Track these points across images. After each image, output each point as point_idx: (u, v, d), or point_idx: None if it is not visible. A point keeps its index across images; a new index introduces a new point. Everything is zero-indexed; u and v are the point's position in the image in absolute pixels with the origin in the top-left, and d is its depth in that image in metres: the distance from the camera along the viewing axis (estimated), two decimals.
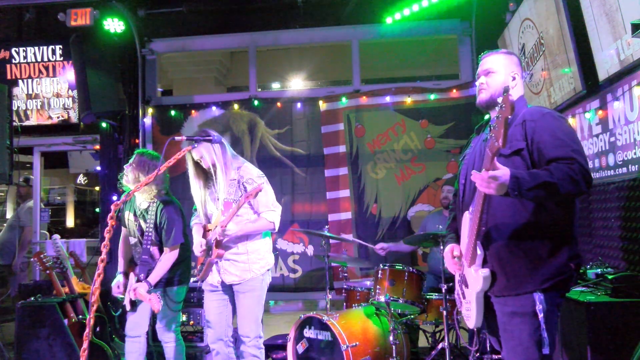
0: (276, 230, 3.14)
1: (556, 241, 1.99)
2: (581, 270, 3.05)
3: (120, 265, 3.44)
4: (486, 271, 2.02)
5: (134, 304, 3.29)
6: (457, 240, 2.31)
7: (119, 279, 3.37)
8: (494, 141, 1.72)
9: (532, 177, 1.84)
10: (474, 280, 2.08)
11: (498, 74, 2.17)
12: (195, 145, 2.99)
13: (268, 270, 3.15)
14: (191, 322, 4.48)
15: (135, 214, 3.36)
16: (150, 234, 3.28)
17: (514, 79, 2.18)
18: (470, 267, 2.09)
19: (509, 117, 1.69)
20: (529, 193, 1.83)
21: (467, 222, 2.13)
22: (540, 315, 1.94)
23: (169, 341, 3.43)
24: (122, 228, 3.50)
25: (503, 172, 1.81)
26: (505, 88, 1.78)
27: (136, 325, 3.34)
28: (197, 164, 3.12)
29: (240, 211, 2.98)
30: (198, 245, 3.09)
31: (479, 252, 2.04)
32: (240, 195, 2.97)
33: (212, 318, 3.12)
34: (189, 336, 4.45)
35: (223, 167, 3.01)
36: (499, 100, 1.74)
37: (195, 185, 3.14)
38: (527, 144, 2.01)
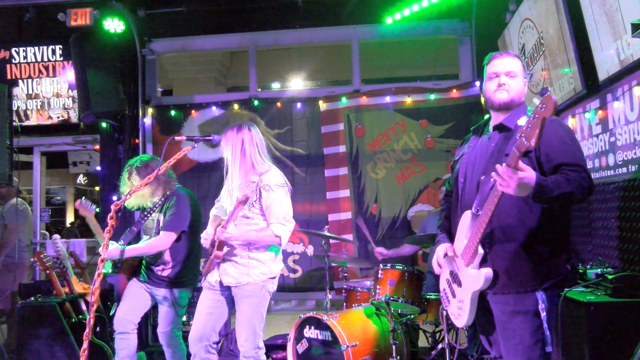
0: (282, 245, 2.92)
1: (556, 242, 2.05)
2: (581, 270, 3.06)
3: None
4: (489, 271, 2.03)
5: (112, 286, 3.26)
6: (450, 239, 2.30)
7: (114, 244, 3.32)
8: (523, 140, 1.71)
9: (556, 187, 1.86)
10: (472, 279, 2.07)
11: (519, 78, 2.19)
12: (195, 145, 2.95)
13: (271, 278, 2.94)
14: (191, 322, 4.47)
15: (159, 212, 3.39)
16: (160, 222, 3.30)
17: (525, 85, 2.26)
18: (468, 267, 2.09)
19: (547, 117, 1.67)
20: (549, 201, 1.88)
21: (467, 222, 2.12)
22: (543, 314, 1.99)
23: (170, 345, 3.37)
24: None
25: (529, 174, 1.81)
26: (544, 89, 1.82)
27: (123, 322, 3.29)
28: None
29: (251, 214, 2.89)
30: (204, 235, 2.99)
31: (480, 251, 2.04)
32: (256, 200, 2.87)
33: (199, 316, 2.96)
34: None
35: (236, 167, 2.89)
36: (535, 101, 1.75)
37: (228, 180, 3.02)
38: (536, 148, 2.00)
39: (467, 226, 2.11)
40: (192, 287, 3.43)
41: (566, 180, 1.90)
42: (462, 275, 2.14)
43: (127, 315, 3.31)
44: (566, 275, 2.07)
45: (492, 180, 1.89)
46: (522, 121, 1.75)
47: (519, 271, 2.03)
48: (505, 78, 2.17)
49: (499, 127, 2.20)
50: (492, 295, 2.10)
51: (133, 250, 3.21)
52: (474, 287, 2.06)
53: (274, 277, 2.97)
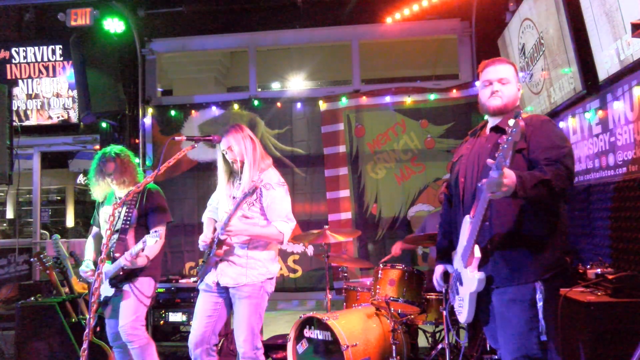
0: (284, 243, 2.91)
1: (554, 235, 2.13)
2: (581, 270, 3.06)
3: (89, 255, 3.40)
4: (481, 274, 2.11)
5: (106, 302, 3.21)
6: (449, 244, 2.43)
7: (87, 264, 3.29)
8: (502, 159, 1.80)
9: (532, 177, 1.97)
10: (469, 281, 2.16)
11: (512, 84, 2.30)
12: (195, 145, 2.95)
13: (269, 279, 2.92)
14: (191, 322, 4.46)
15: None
16: (130, 216, 3.23)
17: (519, 90, 2.34)
18: (467, 268, 2.17)
19: (517, 141, 1.79)
20: (531, 191, 1.94)
21: (467, 226, 2.19)
22: (540, 304, 2.05)
23: (137, 340, 3.18)
24: (93, 228, 3.50)
25: (511, 176, 1.90)
26: (517, 112, 1.84)
27: (119, 333, 3.23)
28: (225, 157, 2.96)
29: (251, 214, 2.88)
30: (203, 238, 2.98)
31: (477, 255, 2.12)
32: (256, 199, 2.86)
33: (197, 320, 2.92)
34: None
35: (252, 163, 2.87)
36: (510, 123, 1.80)
37: (222, 181, 3.01)
38: (528, 146, 2.14)
39: (467, 230, 2.19)
40: (155, 278, 3.33)
41: (541, 172, 2.00)
42: (464, 275, 2.22)
43: (119, 327, 3.23)
44: (565, 267, 2.15)
45: (479, 185, 2.00)
46: (510, 122, 1.82)
47: (518, 263, 2.11)
48: (498, 85, 2.28)
49: (496, 129, 2.30)
50: (495, 289, 2.18)
51: (150, 251, 3.17)
52: (470, 289, 2.16)
53: (272, 278, 2.96)
